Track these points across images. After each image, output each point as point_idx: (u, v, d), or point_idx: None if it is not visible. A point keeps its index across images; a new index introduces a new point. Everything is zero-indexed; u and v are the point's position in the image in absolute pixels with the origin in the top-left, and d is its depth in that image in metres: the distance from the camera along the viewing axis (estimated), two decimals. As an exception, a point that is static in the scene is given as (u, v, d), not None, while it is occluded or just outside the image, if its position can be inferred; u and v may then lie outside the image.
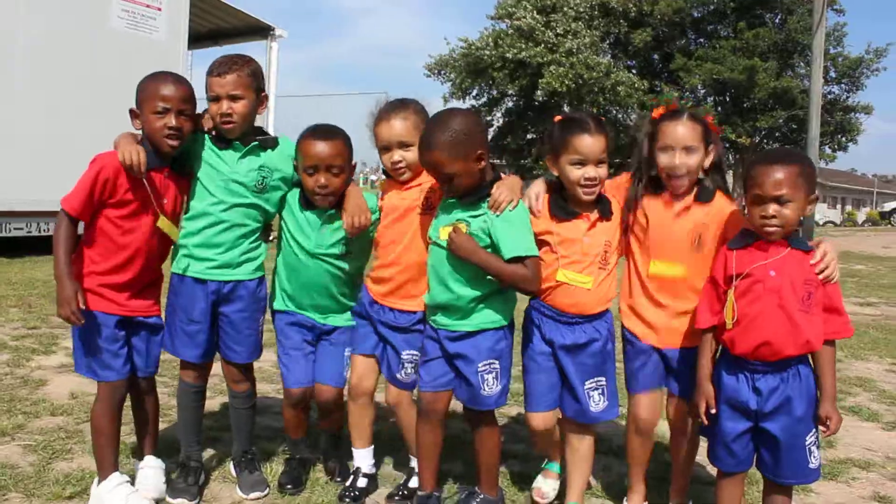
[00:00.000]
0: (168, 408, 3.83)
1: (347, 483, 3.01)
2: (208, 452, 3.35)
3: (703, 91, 34.10)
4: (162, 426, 3.69)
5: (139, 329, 2.84)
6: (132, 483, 2.84)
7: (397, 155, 2.81)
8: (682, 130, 2.68)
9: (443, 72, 35.41)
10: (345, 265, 2.96)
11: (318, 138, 2.83)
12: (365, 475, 3.02)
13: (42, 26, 9.71)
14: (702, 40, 35.16)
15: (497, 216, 2.57)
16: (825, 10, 16.19)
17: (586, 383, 2.76)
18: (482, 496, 2.80)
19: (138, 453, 3.00)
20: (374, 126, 2.88)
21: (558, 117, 2.78)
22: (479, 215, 2.61)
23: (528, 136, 35.74)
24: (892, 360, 5.96)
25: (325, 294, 2.97)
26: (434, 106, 2.97)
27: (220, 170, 2.84)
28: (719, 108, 32.63)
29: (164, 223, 2.78)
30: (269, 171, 2.90)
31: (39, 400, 4.00)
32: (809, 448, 2.47)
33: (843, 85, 34.44)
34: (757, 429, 2.50)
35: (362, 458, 3.05)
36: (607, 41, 33.92)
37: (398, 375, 2.92)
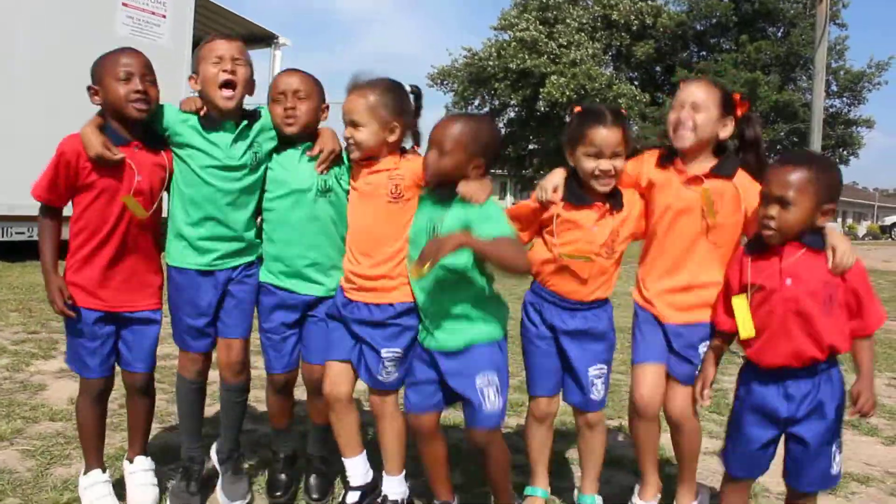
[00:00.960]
0: (168, 413, 3.83)
1: (339, 499, 2.94)
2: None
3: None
4: (163, 431, 3.70)
5: (128, 323, 2.78)
6: (113, 483, 2.83)
7: (347, 132, 2.75)
8: (693, 88, 2.69)
9: (445, 81, 35.53)
10: (328, 208, 2.83)
11: (287, 72, 2.89)
12: (355, 488, 2.91)
13: (47, 32, 9.75)
14: (704, 53, 35.33)
15: (472, 207, 2.54)
16: (827, 24, 16.25)
17: (590, 370, 2.75)
18: None
19: (128, 454, 2.94)
20: None
21: (578, 108, 2.77)
22: (453, 206, 2.60)
23: (530, 147, 35.81)
24: (891, 375, 5.95)
25: (310, 243, 2.83)
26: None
27: (213, 155, 2.76)
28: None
29: (129, 200, 2.66)
30: (258, 145, 2.84)
31: (38, 405, 3.99)
32: (834, 454, 2.41)
33: (844, 98, 34.58)
34: (786, 435, 2.43)
35: (354, 467, 2.92)
36: (609, 53, 34.04)
37: (379, 377, 2.76)
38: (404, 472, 2.91)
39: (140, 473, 2.88)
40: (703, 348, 2.70)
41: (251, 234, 2.88)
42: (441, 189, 2.64)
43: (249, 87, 2.82)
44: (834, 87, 32.96)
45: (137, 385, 2.87)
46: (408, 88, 2.87)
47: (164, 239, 2.89)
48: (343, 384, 2.84)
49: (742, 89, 30.81)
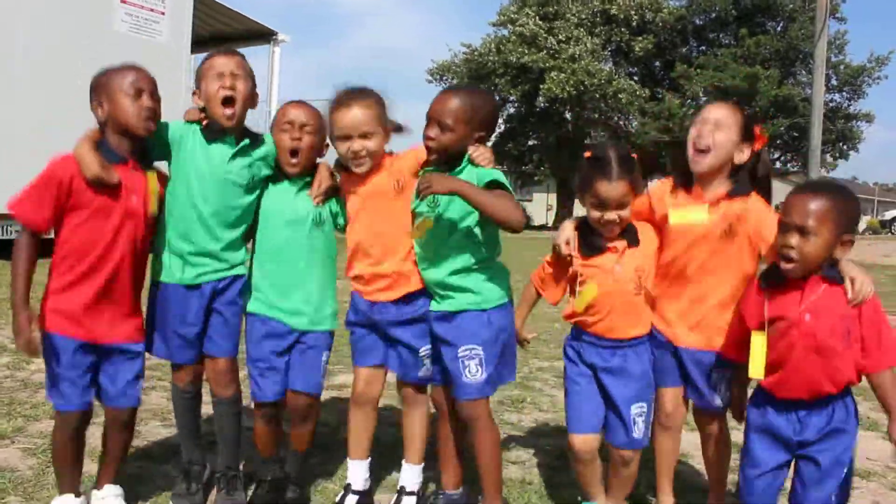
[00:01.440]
0: (168, 411, 3.83)
1: (336, 499, 2.94)
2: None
3: (704, 99, 34.15)
4: (164, 429, 3.70)
5: (110, 355, 2.66)
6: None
7: (358, 144, 2.74)
8: (716, 109, 2.70)
9: (445, 77, 35.48)
10: (318, 241, 2.87)
11: (295, 103, 2.90)
12: (355, 492, 2.93)
13: (45, 29, 9.74)
14: (703, 48, 35.25)
15: (475, 171, 2.64)
16: (827, 19, 16.24)
17: (633, 408, 2.73)
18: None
19: (99, 482, 2.81)
20: (331, 112, 2.80)
21: (588, 154, 2.76)
22: (458, 172, 2.67)
23: (530, 143, 35.78)
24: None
25: (302, 273, 2.85)
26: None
27: (211, 169, 2.76)
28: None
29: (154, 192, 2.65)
30: (258, 167, 2.85)
31: (39, 403, 3.98)
32: (839, 482, 2.36)
33: (844, 93, 34.49)
34: (797, 457, 2.41)
35: (357, 470, 2.96)
36: (609, 48, 33.98)
37: (420, 374, 2.87)
38: (423, 464, 2.98)
39: (111, 499, 2.79)
40: (714, 375, 2.75)
41: (239, 255, 2.87)
42: (441, 164, 2.71)
43: (251, 100, 2.82)
44: (834, 82, 32.88)
45: (122, 420, 2.75)
46: None
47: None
48: (375, 386, 2.93)
49: (742, 83, 30.83)
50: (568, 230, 2.79)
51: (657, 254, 2.78)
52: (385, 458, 3.25)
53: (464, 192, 2.49)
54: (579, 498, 2.97)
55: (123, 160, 2.62)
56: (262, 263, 2.89)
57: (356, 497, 2.92)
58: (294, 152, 2.80)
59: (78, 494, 2.72)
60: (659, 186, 2.88)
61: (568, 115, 33.72)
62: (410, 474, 2.95)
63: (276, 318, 2.86)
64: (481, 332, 2.68)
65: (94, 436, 3.49)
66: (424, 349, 2.84)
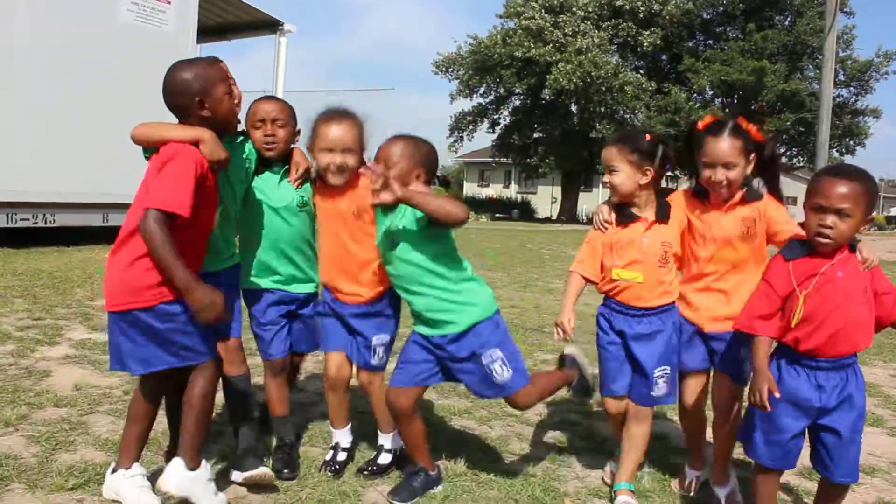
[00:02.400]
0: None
1: (328, 458, 3.22)
2: (210, 448, 3.35)
3: (710, 93, 34.06)
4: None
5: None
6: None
7: (339, 158, 3.01)
8: (722, 147, 2.88)
9: (451, 69, 35.44)
10: (307, 219, 3.18)
11: (264, 99, 3.15)
12: (344, 449, 3.24)
13: (51, 18, 9.73)
14: (710, 42, 35.14)
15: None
16: (837, 13, 16.16)
17: (656, 371, 2.99)
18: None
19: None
20: (318, 125, 3.05)
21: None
22: (401, 208, 2.89)
23: (535, 135, 35.73)
24: (897, 366, 5.94)
25: (296, 251, 3.17)
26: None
27: (221, 171, 2.87)
28: (727, 111, 32.57)
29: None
30: (249, 162, 3.07)
31: (43, 391, 4.00)
32: (860, 446, 2.60)
33: (851, 88, 34.37)
34: (817, 427, 2.59)
35: (341, 435, 3.27)
36: (615, 42, 33.87)
37: (372, 361, 3.15)
38: (396, 431, 3.17)
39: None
40: (743, 350, 2.89)
41: (235, 244, 3.11)
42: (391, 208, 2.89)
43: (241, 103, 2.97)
44: (841, 77, 32.72)
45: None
46: None
47: None
48: (346, 369, 3.22)
49: (749, 78, 30.72)
50: (606, 206, 3.12)
51: (682, 242, 3.05)
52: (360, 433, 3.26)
53: (407, 198, 2.70)
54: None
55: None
56: (256, 242, 3.14)
57: (345, 453, 3.24)
58: (269, 143, 3.06)
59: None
60: (678, 195, 3.13)
61: (574, 108, 33.66)
62: (387, 440, 3.23)
63: (282, 289, 3.18)
64: (493, 336, 2.92)
65: (98, 423, 3.53)
66: (377, 338, 3.13)
